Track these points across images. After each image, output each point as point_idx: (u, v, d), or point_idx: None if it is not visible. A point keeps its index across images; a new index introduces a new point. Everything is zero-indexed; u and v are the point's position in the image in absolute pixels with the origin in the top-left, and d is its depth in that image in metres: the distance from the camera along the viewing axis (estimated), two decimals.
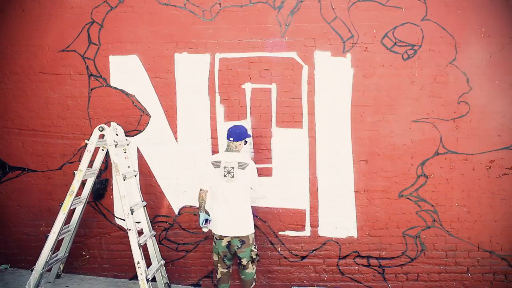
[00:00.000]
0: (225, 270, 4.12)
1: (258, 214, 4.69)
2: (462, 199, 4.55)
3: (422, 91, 4.54)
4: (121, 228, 4.79)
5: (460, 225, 4.56)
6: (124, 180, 4.17)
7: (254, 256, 4.12)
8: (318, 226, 4.66)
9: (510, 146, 4.51)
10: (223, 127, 4.65)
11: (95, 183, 4.75)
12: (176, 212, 4.75)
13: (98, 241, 4.82)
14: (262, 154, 4.65)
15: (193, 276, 4.77)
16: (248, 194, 4.09)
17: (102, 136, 4.29)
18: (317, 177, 4.64)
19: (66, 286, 4.55)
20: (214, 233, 4.07)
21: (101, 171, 4.76)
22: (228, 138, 4.08)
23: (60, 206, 4.23)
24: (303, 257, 4.70)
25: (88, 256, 4.85)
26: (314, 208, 4.66)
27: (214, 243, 4.10)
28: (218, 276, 4.14)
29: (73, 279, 4.73)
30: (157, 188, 4.74)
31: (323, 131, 4.62)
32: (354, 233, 4.66)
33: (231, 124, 4.56)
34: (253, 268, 4.13)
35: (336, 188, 4.62)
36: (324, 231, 4.66)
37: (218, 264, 4.12)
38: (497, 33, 4.47)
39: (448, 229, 4.57)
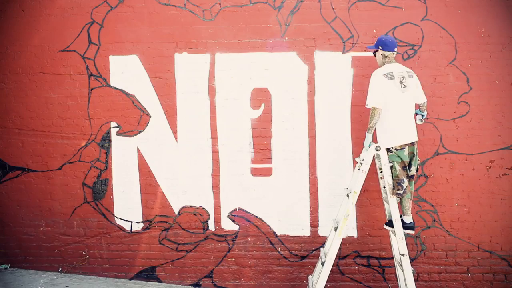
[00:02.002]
0: (408, 180, 3.94)
1: (258, 214, 4.69)
2: (462, 199, 4.55)
3: (422, 90, 4.53)
4: (121, 228, 4.79)
5: (460, 225, 4.56)
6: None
7: (418, 167, 4.04)
8: (318, 226, 4.66)
9: (510, 146, 4.51)
10: (223, 127, 4.66)
11: (95, 183, 4.76)
12: (176, 212, 4.75)
13: (98, 241, 4.83)
14: (262, 154, 4.65)
15: (193, 276, 4.77)
16: (414, 106, 4.00)
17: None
18: (317, 177, 4.64)
19: (66, 286, 4.55)
20: (394, 146, 3.86)
21: (101, 171, 4.76)
22: (392, 50, 3.92)
23: (335, 231, 3.94)
24: (303, 257, 4.70)
25: (88, 256, 4.85)
26: (314, 208, 4.66)
27: (396, 156, 3.86)
28: (405, 185, 3.89)
29: (73, 279, 4.73)
30: (157, 188, 4.74)
31: (323, 131, 4.62)
32: (354, 233, 4.66)
33: (232, 124, 4.58)
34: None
35: (337, 188, 4.62)
36: (324, 231, 4.66)
37: (403, 174, 3.88)
38: (497, 33, 4.47)
39: (448, 229, 4.57)
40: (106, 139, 4.75)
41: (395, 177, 3.91)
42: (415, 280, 4.59)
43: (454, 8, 4.50)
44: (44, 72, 4.76)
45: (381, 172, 3.96)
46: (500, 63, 4.48)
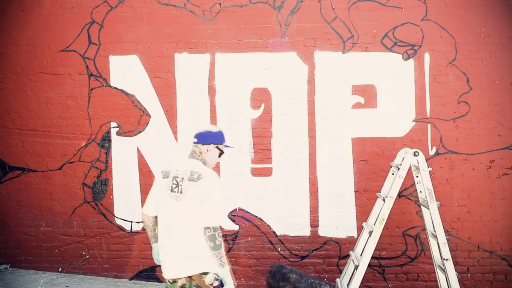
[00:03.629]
0: None
1: (258, 214, 4.69)
2: (462, 199, 4.55)
3: (422, 91, 4.54)
4: (121, 228, 4.79)
5: (460, 225, 4.56)
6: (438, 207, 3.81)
7: None
8: (318, 226, 4.66)
9: (510, 146, 4.51)
10: (223, 127, 4.65)
11: (95, 183, 4.76)
12: None
13: (98, 241, 4.82)
14: (262, 154, 4.65)
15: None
16: (200, 222, 2.64)
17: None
18: (317, 177, 4.64)
19: (66, 286, 4.54)
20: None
21: (101, 171, 4.76)
22: (193, 138, 2.84)
23: (370, 235, 3.79)
24: (303, 257, 4.69)
25: (88, 256, 4.85)
26: (314, 208, 4.66)
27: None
28: None
29: (73, 279, 4.73)
30: None
31: (323, 131, 4.62)
32: (354, 233, 4.65)
33: (232, 124, 4.58)
34: None
35: (336, 188, 4.62)
36: (324, 231, 4.66)
37: None
38: (497, 33, 4.47)
39: (448, 229, 4.56)
40: (106, 139, 4.75)
41: None
42: (415, 280, 4.60)
43: (454, 8, 4.49)
44: (44, 72, 4.76)
45: (417, 177, 3.91)
46: (500, 63, 4.48)
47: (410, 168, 3.93)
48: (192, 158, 2.83)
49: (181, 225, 2.69)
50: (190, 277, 2.75)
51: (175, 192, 2.71)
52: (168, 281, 2.82)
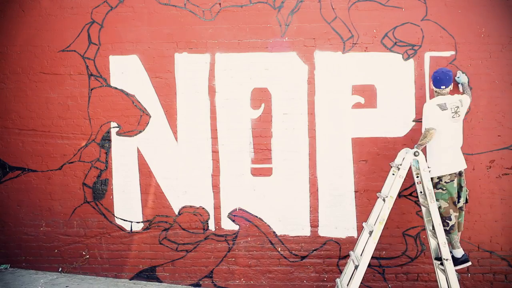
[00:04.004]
0: (457, 214, 4.03)
1: (258, 214, 4.69)
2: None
3: (422, 91, 4.54)
4: (121, 228, 4.79)
5: None
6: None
7: (467, 197, 4.16)
8: (318, 226, 4.66)
9: (510, 146, 4.51)
10: (223, 127, 4.66)
11: (95, 183, 4.76)
12: (176, 212, 4.75)
13: (98, 241, 4.82)
14: (262, 154, 4.65)
15: (193, 276, 4.77)
16: (461, 131, 4.13)
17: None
18: (317, 177, 4.64)
19: (66, 286, 4.55)
20: (441, 177, 3.97)
21: (101, 171, 4.76)
22: (440, 87, 4.04)
23: (370, 235, 3.91)
24: (303, 257, 4.70)
25: (88, 256, 4.85)
26: (314, 208, 4.66)
27: (442, 189, 3.97)
28: (452, 222, 3.97)
29: (73, 279, 4.73)
30: (157, 188, 4.74)
31: (323, 131, 4.62)
32: (354, 233, 4.65)
33: (232, 124, 4.59)
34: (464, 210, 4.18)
35: (336, 188, 4.62)
36: (324, 231, 4.66)
37: (451, 209, 3.97)
38: (497, 33, 4.47)
39: None
40: (106, 139, 4.75)
41: (441, 213, 3.97)
42: (415, 280, 4.60)
43: (454, 8, 4.49)
44: (44, 72, 4.76)
45: (417, 177, 3.98)
46: (500, 63, 4.48)
47: (410, 168, 3.95)
48: (445, 95, 4.06)
49: (458, 138, 4.07)
50: (460, 174, 4.02)
51: (454, 117, 3.97)
52: (445, 181, 3.96)
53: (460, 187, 4.03)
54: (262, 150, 4.65)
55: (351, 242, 4.65)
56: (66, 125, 4.78)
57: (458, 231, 4.10)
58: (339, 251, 4.66)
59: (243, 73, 4.64)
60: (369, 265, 4.64)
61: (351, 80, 4.59)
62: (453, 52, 4.50)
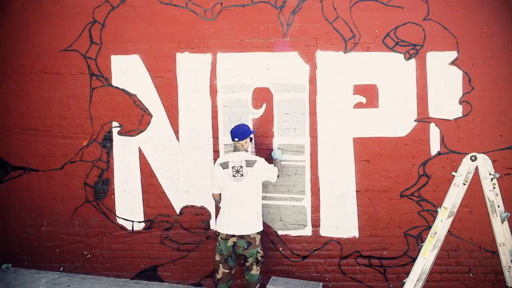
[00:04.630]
0: (227, 271, 4.06)
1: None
2: (464, 199, 4.46)
3: (424, 90, 4.53)
4: (122, 228, 4.79)
5: (462, 225, 4.55)
6: (502, 223, 3.41)
7: (260, 258, 4.08)
8: (319, 226, 4.66)
9: None
10: (225, 127, 4.66)
11: (96, 182, 4.76)
12: (178, 212, 4.75)
13: (100, 241, 4.83)
14: (263, 154, 4.65)
15: (194, 275, 4.77)
16: (259, 193, 4.12)
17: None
18: (319, 177, 4.63)
19: (68, 286, 4.55)
20: (219, 233, 4.05)
21: (102, 170, 4.77)
22: (233, 139, 4.13)
23: (419, 250, 3.48)
24: (304, 257, 4.69)
25: (89, 256, 4.86)
26: (315, 208, 4.66)
27: (218, 243, 4.06)
28: (219, 276, 4.06)
29: (74, 279, 4.74)
30: (158, 188, 4.74)
31: (324, 131, 4.62)
32: (355, 233, 4.65)
33: (233, 123, 4.59)
34: (258, 270, 4.09)
35: (338, 188, 4.62)
36: (326, 231, 4.66)
37: (220, 265, 4.04)
38: (499, 32, 4.46)
39: (449, 229, 4.52)
40: (108, 138, 4.76)
41: None
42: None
43: (456, 8, 4.48)
44: (46, 71, 4.76)
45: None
46: (502, 63, 4.47)
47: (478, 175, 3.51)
48: (237, 151, 4.11)
49: (244, 198, 4.01)
50: (241, 236, 3.95)
51: (236, 177, 3.97)
52: (221, 237, 3.99)
53: (243, 249, 3.96)
54: (263, 150, 4.65)
55: (353, 242, 4.65)
56: (67, 124, 4.78)
57: (227, 284, 4.09)
58: (340, 251, 4.66)
59: (244, 73, 4.64)
60: (371, 265, 4.66)
61: (353, 79, 4.58)
62: (455, 52, 4.49)
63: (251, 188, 4.02)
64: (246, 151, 4.15)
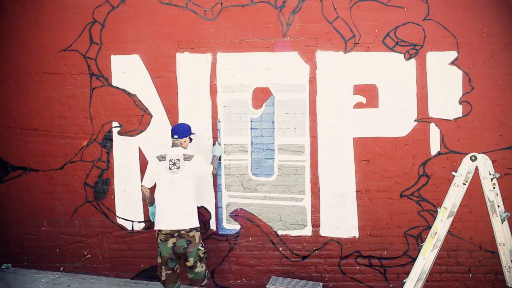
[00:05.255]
0: (169, 272, 4.00)
1: (260, 214, 4.69)
2: (464, 199, 4.47)
3: (424, 90, 4.54)
4: (122, 228, 4.79)
5: (462, 225, 4.56)
6: (502, 223, 3.40)
7: (202, 255, 4.06)
8: (319, 226, 4.66)
9: None
10: (225, 127, 4.66)
11: (96, 182, 4.76)
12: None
13: (100, 241, 4.83)
14: (264, 153, 4.65)
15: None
16: (194, 189, 4.08)
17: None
18: (319, 177, 4.63)
19: (68, 286, 4.55)
20: (158, 232, 3.97)
21: (102, 170, 4.76)
22: (172, 136, 4.11)
23: (419, 250, 3.48)
24: (304, 257, 4.69)
25: (89, 256, 4.85)
26: (315, 208, 4.66)
27: (158, 246, 3.99)
28: (163, 278, 4.02)
29: (74, 279, 4.74)
30: None
31: (324, 131, 4.62)
32: (355, 233, 4.65)
33: (233, 124, 4.60)
34: (202, 266, 4.06)
35: (338, 188, 4.62)
36: (326, 231, 4.66)
37: (162, 267, 3.99)
38: (499, 32, 4.46)
39: (449, 229, 4.53)
40: (108, 138, 4.75)
41: None
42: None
43: (456, 8, 4.49)
44: (46, 71, 4.76)
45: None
46: (502, 63, 4.47)
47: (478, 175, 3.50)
48: (176, 147, 4.09)
49: (179, 191, 3.95)
50: (180, 235, 3.90)
51: (172, 169, 3.92)
52: (160, 238, 3.93)
53: (183, 249, 3.93)
54: (263, 150, 4.65)
55: (353, 242, 4.65)
56: (67, 124, 4.78)
57: (175, 283, 4.07)
58: (340, 251, 4.66)
59: (244, 73, 4.64)
60: (371, 265, 4.66)
61: (353, 79, 4.58)
62: (455, 52, 4.49)
63: (186, 182, 3.97)
64: (184, 148, 4.12)
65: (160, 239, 3.95)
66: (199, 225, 4.08)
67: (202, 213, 4.73)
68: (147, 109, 4.72)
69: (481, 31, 4.48)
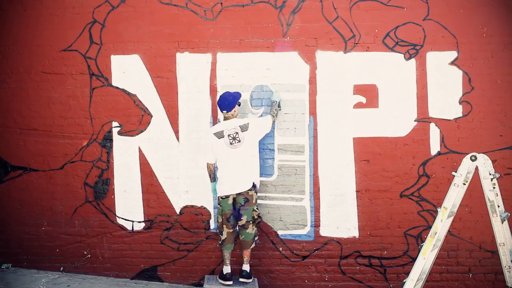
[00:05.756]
0: (230, 230, 4.24)
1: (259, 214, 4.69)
2: (464, 199, 4.46)
3: (424, 90, 4.54)
4: (122, 228, 4.79)
5: (462, 225, 4.56)
6: (502, 223, 3.38)
7: (256, 217, 4.25)
8: (319, 226, 4.66)
9: None
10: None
11: (96, 182, 4.76)
12: (178, 212, 4.75)
13: (100, 241, 4.83)
14: (263, 153, 4.65)
15: (194, 275, 4.77)
16: (256, 153, 4.30)
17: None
18: (319, 177, 4.64)
19: (68, 286, 4.55)
20: (219, 195, 4.27)
21: (102, 170, 4.76)
22: (221, 111, 4.25)
23: (419, 250, 3.48)
24: (304, 257, 4.69)
25: (89, 256, 4.85)
26: (315, 208, 4.66)
27: (219, 205, 4.27)
28: (223, 237, 4.25)
29: (74, 279, 4.74)
30: (159, 188, 4.74)
31: (324, 131, 4.62)
32: (355, 233, 4.65)
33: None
34: (253, 229, 4.26)
35: (338, 188, 4.62)
36: (326, 231, 4.66)
37: (224, 225, 4.23)
38: (499, 32, 4.47)
39: (449, 229, 4.52)
40: (108, 138, 4.75)
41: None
42: None
43: (456, 8, 4.49)
44: (46, 71, 4.76)
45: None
46: (502, 63, 4.47)
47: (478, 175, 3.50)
48: (228, 120, 4.22)
49: (244, 161, 4.19)
50: (239, 193, 4.19)
51: (233, 143, 4.12)
52: (221, 197, 4.23)
53: (240, 206, 4.21)
54: (263, 150, 4.65)
55: (353, 242, 4.65)
56: (67, 124, 4.78)
57: (231, 244, 4.31)
58: (340, 251, 4.66)
59: (244, 73, 4.64)
60: (371, 265, 4.66)
61: (353, 79, 4.59)
62: (455, 52, 4.49)
63: (249, 151, 4.20)
64: (236, 117, 4.24)
65: (221, 197, 4.23)
66: (258, 183, 4.34)
67: (202, 213, 4.74)
68: (147, 109, 4.72)
69: (481, 31, 4.48)
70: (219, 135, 4.15)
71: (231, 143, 4.11)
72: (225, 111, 4.21)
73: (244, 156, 4.18)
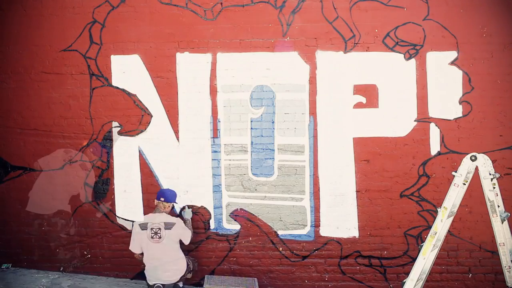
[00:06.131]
0: None
1: (260, 214, 4.69)
2: (464, 199, 4.46)
3: (424, 90, 4.54)
4: (122, 228, 4.79)
5: (462, 225, 4.56)
6: (502, 223, 3.37)
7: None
8: (319, 226, 4.66)
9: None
10: (225, 127, 4.66)
11: (96, 182, 4.76)
12: (177, 212, 4.74)
13: (100, 241, 4.82)
14: (264, 153, 4.65)
15: (194, 275, 4.76)
16: (178, 247, 4.28)
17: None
18: (319, 177, 4.64)
19: (68, 286, 4.55)
20: (148, 284, 4.27)
21: (102, 171, 4.76)
22: (158, 199, 4.31)
23: (419, 250, 3.47)
24: (304, 257, 4.69)
25: (89, 256, 4.85)
26: (315, 208, 4.66)
27: None
28: None
29: (74, 279, 4.73)
30: (158, 188, 4.73)
31: (324, 131, 4.62)
32: (355, 233, 4.65)
33: (233, 124, 4.60)
34: None
35: (338, 188, 4.62)
36: (326, 231, 4.66)
37: None
38: (499, 32, 4.47)
39: (449, 229, 4.53)
40: (108, 138, 4.75)
41: None
42: None
43: (456, 8, 4.49)
44: (46, 71, 4.76)
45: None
46: (502, 63, 4.47)
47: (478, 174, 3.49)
48: (159, 212, 4.27)
49: (163, 255, 4.19)
50: (166, 284, 4.20)
51: (154, 238, 4.16)
52: (149, 284, 4.23)
53: None
54: (263, 150, 4.65)
55: (353, 242, 4.65)
56: (67, 124, 4.78)
57: None
58: (340, 251, 4.66)
59: (244, 73, 4.64)
60: (371, 265, 4.66)
61: (353, 79, 4.59)
62: (455, 52, 4.49)
63: (170, 246, 4.21)
64: (167, 213, 4.31)
65: (148, 284, 4.27)
66: (186, 269, 4.29)
67: (202, 213, 4.74)
68: (147, 109, 4.72)
69: (481, 31, 4.48)
70: (143, 226, 4.21)
71: (152, 237, 4.17)
72: (163, 199, 4.28)
73: (166, 252, 4.20)
